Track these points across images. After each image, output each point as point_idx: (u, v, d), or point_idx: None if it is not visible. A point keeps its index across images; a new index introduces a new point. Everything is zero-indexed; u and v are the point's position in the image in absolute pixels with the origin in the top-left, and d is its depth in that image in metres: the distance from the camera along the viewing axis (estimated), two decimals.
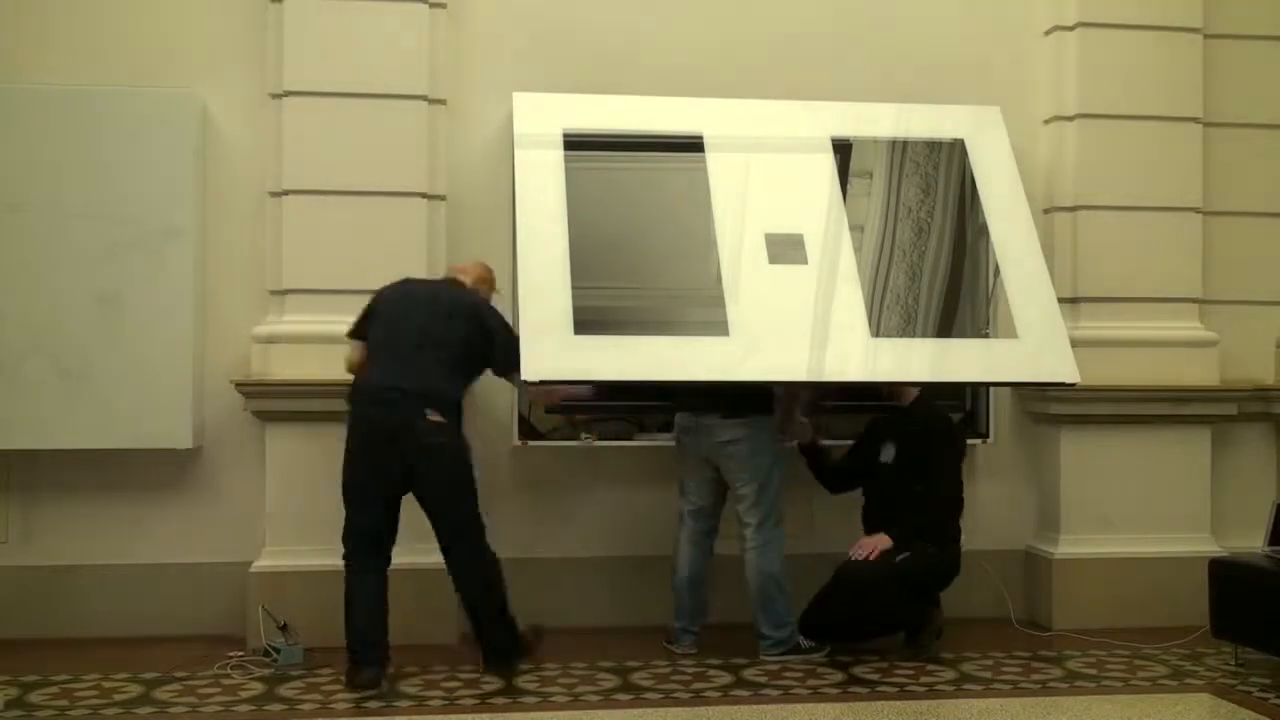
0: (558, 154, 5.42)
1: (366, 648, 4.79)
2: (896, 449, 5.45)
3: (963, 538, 5.46)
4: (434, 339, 4.92)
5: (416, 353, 4.89)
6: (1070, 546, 5.97)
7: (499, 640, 5.05)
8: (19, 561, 5.54)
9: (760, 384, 5.22)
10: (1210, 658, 5.33)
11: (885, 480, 5.47)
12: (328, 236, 5.55)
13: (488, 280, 5.33)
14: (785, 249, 5.36)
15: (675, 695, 4.76)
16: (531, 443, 5.72)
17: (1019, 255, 5.53)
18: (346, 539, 4.88)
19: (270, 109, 5.62)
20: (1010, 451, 6.16)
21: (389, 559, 4.95)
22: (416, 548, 5.48)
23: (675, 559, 5.43)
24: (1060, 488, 6.00)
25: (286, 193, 5.56)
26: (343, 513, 4.91)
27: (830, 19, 6.07)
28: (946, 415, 5.66)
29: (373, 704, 4.65)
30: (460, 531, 4.95)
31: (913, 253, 5.57)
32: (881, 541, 5.28)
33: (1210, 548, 5.85)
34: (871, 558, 5.24)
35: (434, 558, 5.49)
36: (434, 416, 4.82)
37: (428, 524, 5.38)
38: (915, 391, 5.49)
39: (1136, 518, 5.97)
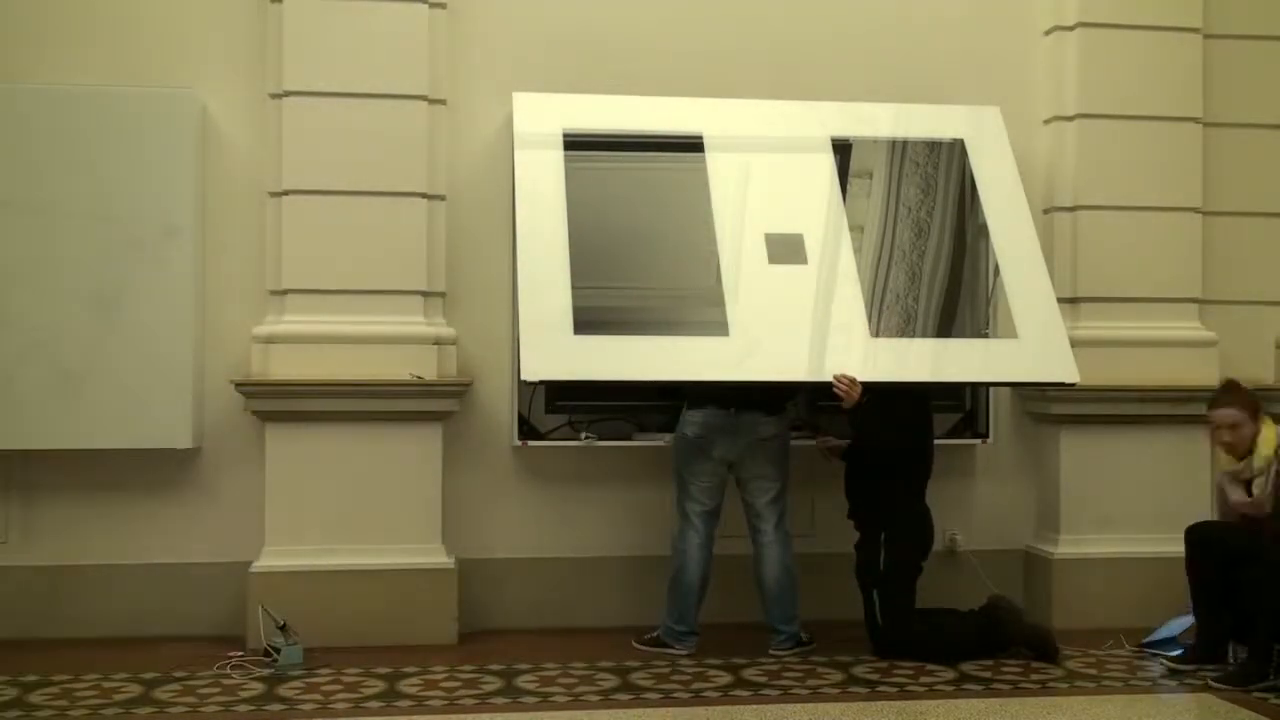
0: (558, 154, 5.43)
1: None
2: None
3: (926, 499, 5.35)
4: None
5: None
6: (1070, 546, 5.96)
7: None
8: (19, 561, 5.53)
9: (765, 383, 5.21)
10: None
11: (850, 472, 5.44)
12: (328, 236, 5.54)
13: None
14: (785, 249, 5.36)
15: (675, 695, 4.75)
16: (531, 443, 5.71)
17: (1019, 255, 5.53)
18: None
19: (270, 109, 5.62)
20: (1010, 451, 6.16)
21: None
22: (415, 548, 5.51)
23: (683, 561, 5.29)
24: (1060, 488, 6.00)
25: (286, 193, 5.55)
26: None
27: (830, 19, 6.05)
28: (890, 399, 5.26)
29: (373, 704, 4.65)
30: None
31: (913, 253, 5.57)
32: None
33: None
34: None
35: (436, 558, 5.51)
36: None
37: (423, 525, 5.44)
38: None
39: (1136, 518, 5.96)
